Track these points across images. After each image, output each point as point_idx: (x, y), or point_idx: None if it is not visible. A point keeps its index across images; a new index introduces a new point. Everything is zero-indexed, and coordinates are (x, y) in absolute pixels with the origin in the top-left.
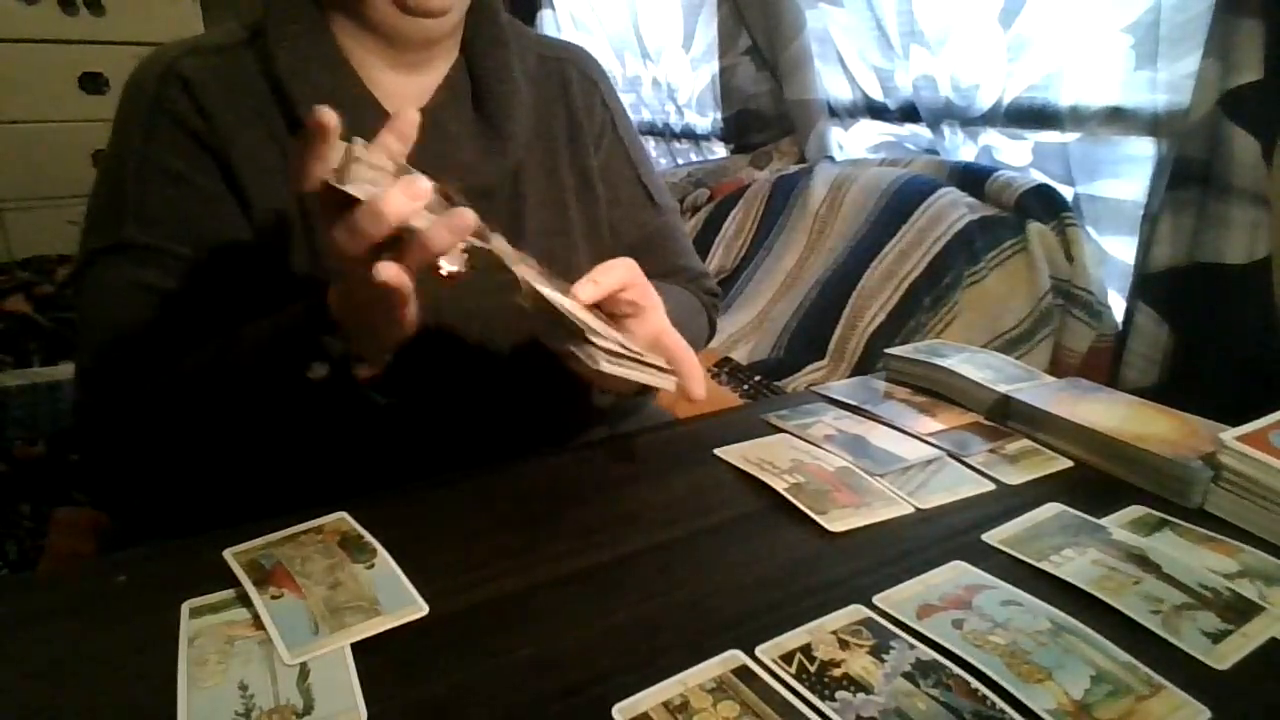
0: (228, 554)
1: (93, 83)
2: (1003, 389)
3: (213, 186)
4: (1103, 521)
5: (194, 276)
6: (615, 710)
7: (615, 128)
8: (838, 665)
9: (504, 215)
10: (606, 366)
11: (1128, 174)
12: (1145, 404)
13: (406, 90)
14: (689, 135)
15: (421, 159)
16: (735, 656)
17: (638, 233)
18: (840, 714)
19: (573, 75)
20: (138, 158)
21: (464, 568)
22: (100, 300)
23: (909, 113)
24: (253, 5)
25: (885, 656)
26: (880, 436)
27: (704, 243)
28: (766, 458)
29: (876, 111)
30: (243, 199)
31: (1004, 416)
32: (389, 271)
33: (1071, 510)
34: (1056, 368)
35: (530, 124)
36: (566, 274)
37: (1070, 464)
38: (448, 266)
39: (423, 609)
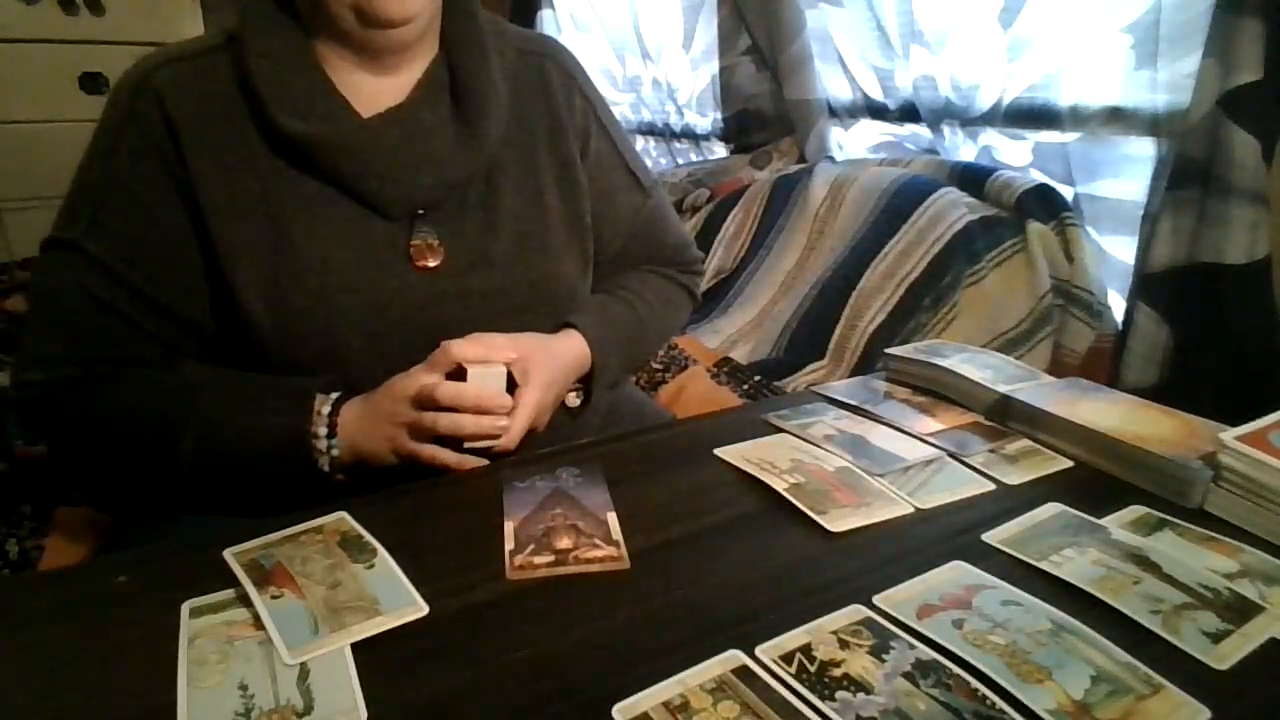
0: (228, 554)
1: (93, 83)
2: (1003, 389)
3: (169, 217)
4: (1103, 521)
5: (136, 301)
6: (615, 710)
7: (599, 120)
8: (838, 665)
9: (477, 201)
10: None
11: (1128, 174)
12: (1145, 404)
13: (382, 91)
14: (689, 135)
15: (397, 153)
16: (735, 656)
17: (631, 219)
18: (840, 714)
19: (551, 70)
20: (103, 168)
21: (464, 568)
22: (48, 291)
23: (909, 113)
24: None
25: (885, 656)
26: (880, 436)
27: (704, 243)
28: (766, 458)
29: (876, 111)
30: (203, 227)
31: (1004, 416)
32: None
33: (1071, 510)
34: (1056, 368)
35: (507, 119)
36: (542, 252)
37: (1070, 464)
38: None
39: (423, 609)
